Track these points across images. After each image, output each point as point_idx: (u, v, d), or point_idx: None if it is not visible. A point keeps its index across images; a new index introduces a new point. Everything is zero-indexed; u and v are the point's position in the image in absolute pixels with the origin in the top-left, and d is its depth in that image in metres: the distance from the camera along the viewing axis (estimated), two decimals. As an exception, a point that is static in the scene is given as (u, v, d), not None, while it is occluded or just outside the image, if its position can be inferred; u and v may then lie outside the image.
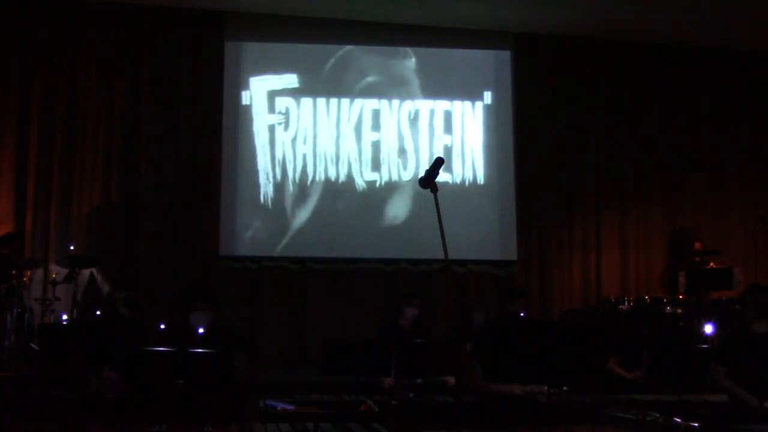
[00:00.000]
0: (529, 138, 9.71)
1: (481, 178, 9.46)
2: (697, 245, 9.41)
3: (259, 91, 9.11)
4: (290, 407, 4.46)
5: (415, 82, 9.47)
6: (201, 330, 4.50)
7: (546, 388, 3.97)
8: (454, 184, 9.38)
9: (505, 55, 9.76)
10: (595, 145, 9.93)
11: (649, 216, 9.93)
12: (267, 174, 8.99)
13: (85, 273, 8.23)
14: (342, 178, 9.16)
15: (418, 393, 5.11)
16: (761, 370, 4.78)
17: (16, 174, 8.51)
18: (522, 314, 5.02)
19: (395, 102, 9.38)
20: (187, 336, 4.49)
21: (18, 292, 7.39)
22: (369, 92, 9.34)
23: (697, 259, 9.32)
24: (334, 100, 9.26)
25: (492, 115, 9.60)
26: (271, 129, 9.10)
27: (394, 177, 9.25)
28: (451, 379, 5.45)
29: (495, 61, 9.73)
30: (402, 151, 9.31)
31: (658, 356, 5.12)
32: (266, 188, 8.96)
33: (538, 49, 9.86)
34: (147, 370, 3.89)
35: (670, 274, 9.64)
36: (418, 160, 9.31)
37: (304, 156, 9.12)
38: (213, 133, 8.94)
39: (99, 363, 4.68)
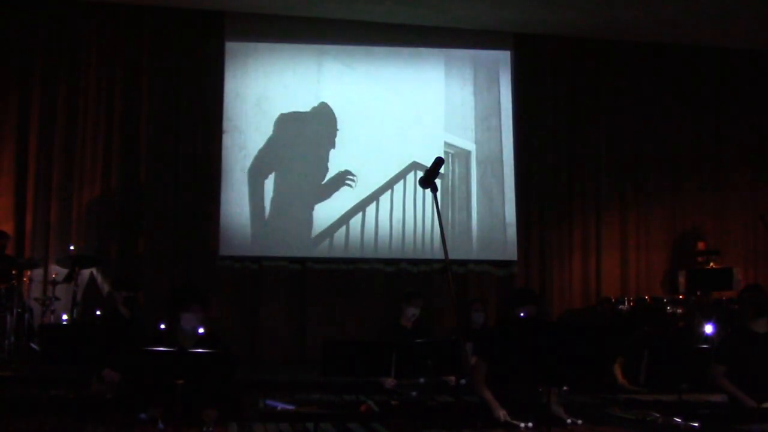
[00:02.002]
0: (529, 138, 9.71)
1: (481, 178, 9.45)
2: (701, 245, 9.40)
3: (258, 92, 9.10)
4: (290, 407, 4.46)
5: (414, 82, 9.47)
6: (200, 330, 4.48)
7: (530, 425, 3.95)
8: (454, 184, 9.38)
9: (505, 55, 9.76)
10: (595, 145, 9.93)
11: (649, 216, 9.94)
12: (267, 174, 8.98)
13: (85, 273, 8.22)
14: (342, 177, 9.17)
15: (420, 392, 5.12)
16: (760, 369, 4.78)
17: (16, 174, 8.51)
18: (522, 314, 5.00)
19: (395, 102, 9.37)
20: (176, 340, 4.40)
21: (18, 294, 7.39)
22: (368, 91, 9.34)
23: (700, 259, 9.32)
24: (333, 102, 9.25)
25: (492, 115, 9.60)
26: (271, 130, 9.08)
27: (395, 177, 9.24)
28: (453, 379, 5.44)
29: (495, 61, 9.73)
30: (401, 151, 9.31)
31: (658, 356, 5.12)
32: (266, 188, 8.95)
33: (538, 49, 9.87)
34: (147, 369, 3.89)
35: (672, 275, 9.65)
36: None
37: (304, 157, 9.12)
38: (213, 133, 8.94)
39: (99, 363, 4.68)
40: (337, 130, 9.18)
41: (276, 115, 9.08)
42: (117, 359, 4.41)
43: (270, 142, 9.06)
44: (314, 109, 9.20)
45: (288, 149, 9.11)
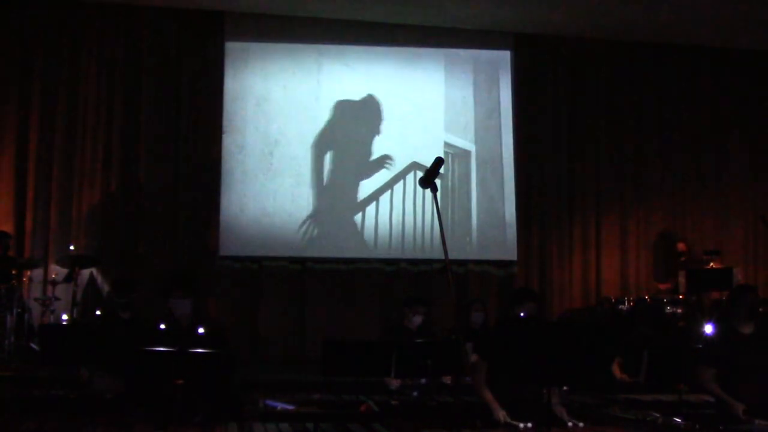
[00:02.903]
0: (529, 138, 9.71)
1: (481, 178, 9.45)
2: (681, 246, 9.35)
3: (258, 92, 9.10)
4: (290, 407, 4.46)
5: (414, 82, 9.47)
6: (200, 330, 4.51)
7: (529, 426, 3.95)
8: (454, 184, 9.38)
9: (505, 55, 9.77)
10: (595, 145, 9.93)
11: (649, 216, 9.94)
12: (266, 175, 8.98)
13: (85, 273, 8.22)
14: (342, 177, 9.16)
15: (421, 392, 5.12)
16: (748, 370, 4.72)
17: (16, 174, 8.50)
18: (522, 314, 5.00)
19: (395, 102, 9.38)
20: (179, 328, 4.52)
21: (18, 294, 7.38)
22: (368, 91, 9.36)
23: (682, 259, 9.30)
24: (333, 102, 9.26)
25: (492, 114, 9.60)
26: (271, 130, 9.08)
27: (395, 177, 9.25)
28: (449, 379, 5.45)
29: (495, 61, 9.73)
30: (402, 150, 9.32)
31: (658, 356, 5.11)
32: (266, 189, 8.95)
33: (538, 49, 9.87)
34: (147, 370, 3.90)
35: (658, 276, 9.66)
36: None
37: (304, 158, 9.12)
38: (213, 133, 8.94)
39: (97, 364, 4.68)
40: (383, 120, 9.31)
41: (275, 115, 9.07)
42: (115, 360, 4.42)
43: (327, 126, 9.14)
44: (363, 99, 9.31)
45: (340, 134, 9.23)
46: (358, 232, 9.10)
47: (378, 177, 9.21)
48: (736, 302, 4.95)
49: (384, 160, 9.26)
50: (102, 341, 4.71)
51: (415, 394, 5.11)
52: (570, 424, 4.18)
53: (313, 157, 9.12)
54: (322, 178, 9.11)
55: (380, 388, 5.26)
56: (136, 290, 6.06)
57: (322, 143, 9.18)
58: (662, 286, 9.18)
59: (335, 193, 9.11)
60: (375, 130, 9.31)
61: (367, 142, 9.26)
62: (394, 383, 5.33)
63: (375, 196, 9.18)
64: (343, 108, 9.27)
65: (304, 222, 8.99)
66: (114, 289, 6.40)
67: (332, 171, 9.14)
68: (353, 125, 9.29)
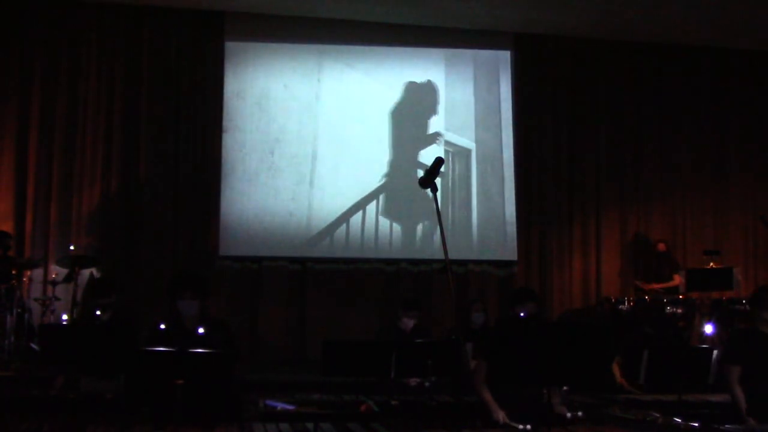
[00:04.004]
0: (529, 138, 9.71)
1: (481, 177, 9.45)
2: (661, 246, 9.32)
3: (259, 91, 9.10)
4: (290, 407, 4.46)
5: (415, 82, 9.48)
6: (200, 330, 4.51)
7: (528, 428, 3.95)
8: (454, 183, 9.38)
9: (505, 55, 9.77)
10: (595, 145, 9.93)
11: (649, 216, 9.94)
12: (267, 174, 8.98)
13: (85, 273, 8.21)
14: (342, 177, 9.15)
15: (421, 392, 5.14)
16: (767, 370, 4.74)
17: (16, 174, 8.50)
18: (522, 314, 4.99)
19: (395, 101, 9.38)
20: (182, 328, 4.54)
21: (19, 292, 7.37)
22: (368, 91, 9.36)
23: (657, 261, 9.26)
24: (334, 101, 9.26)
25: (492, 114, 9.60)
26: (271, 129, 9.08)
27: (395, 176, 9.25)
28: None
29: (495, 61, 9.74)
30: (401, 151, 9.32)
31: (658, 356, 5.12)
32: (266, 188, 8.94)
33: (538, 49, 9.87)
34: (146, 370, 3.89)
35: (628, 277, 9.65)
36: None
37: (305, 157, 9.11)
38: (213, 133, 8.94)
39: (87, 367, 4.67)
40: (438, 103, 9.47)
41: (276, 114, 9.06)
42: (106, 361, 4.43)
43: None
44: (422, 84, 9.48)
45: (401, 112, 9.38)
46: (358, 232, 9.09)
47: (378, 176, 9.20)
48: (762, 303, 4.95)
49: (436, 137, 9.35)
50: (90, 343, 4.69)
51: (427, 384, 5.14)
52: (569, 415, 4.18)
53: (312, 155, 9.12)
54: (323, 177, 9.10)
55: (380, 388, 5.26)
56: (113, 294, 6.01)
57: (426, 110, 9.36)
58: (652, 286, 9.13)
59: (335, 193, 9.10)
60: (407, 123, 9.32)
61: (372, 140, 9.27)
62: (413, 381, 5.36)
63: (375, 195, 9.18)
64: (345, 107, 9.27)
65: (304, 222, 8.97)
66: (95, 289, 6.35)
67: (332, 170, 9.13)
68: (358, 123, 9.29)
